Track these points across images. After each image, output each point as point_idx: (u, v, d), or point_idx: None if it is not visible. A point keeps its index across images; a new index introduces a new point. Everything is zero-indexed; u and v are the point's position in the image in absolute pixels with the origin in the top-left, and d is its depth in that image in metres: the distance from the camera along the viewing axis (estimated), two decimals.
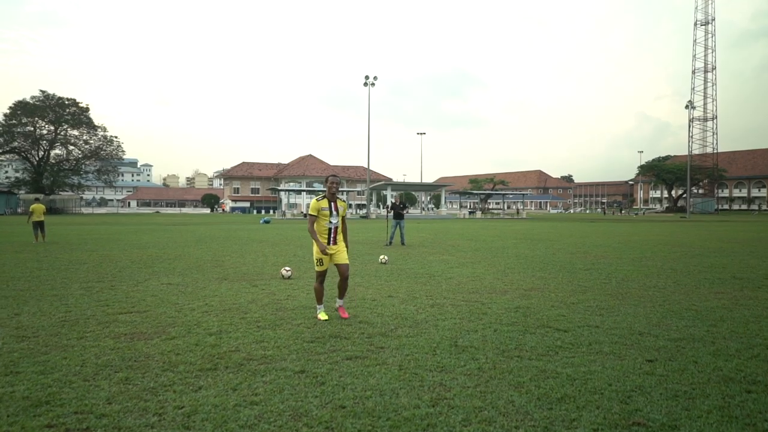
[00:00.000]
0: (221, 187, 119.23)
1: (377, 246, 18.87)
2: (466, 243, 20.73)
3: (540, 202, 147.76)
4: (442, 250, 17.20)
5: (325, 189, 7.39)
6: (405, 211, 20.01)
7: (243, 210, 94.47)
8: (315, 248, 6.80)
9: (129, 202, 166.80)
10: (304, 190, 70.65)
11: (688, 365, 5.01)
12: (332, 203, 6.79)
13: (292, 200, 77.93)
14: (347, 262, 6.85)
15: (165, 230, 29.68)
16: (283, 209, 69.44)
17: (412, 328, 6.39)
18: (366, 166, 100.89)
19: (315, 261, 6.82)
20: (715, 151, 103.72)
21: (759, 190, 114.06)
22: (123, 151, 79.22)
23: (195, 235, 24.75)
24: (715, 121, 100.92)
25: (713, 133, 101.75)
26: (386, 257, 13.45)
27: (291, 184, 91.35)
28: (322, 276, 6.89)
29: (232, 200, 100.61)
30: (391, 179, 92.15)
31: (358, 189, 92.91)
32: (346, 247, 6.98)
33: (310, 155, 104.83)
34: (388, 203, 59.18)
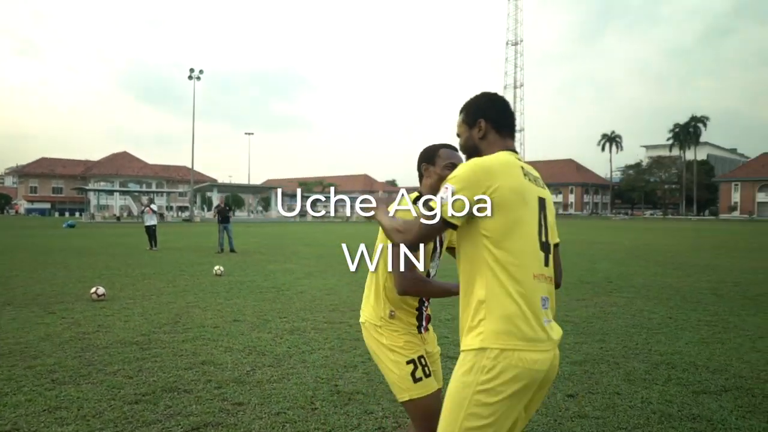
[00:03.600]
0: (14, 185, 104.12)
1: (208, 253, 16.80)
2: (307, 249, 19.43)
3: None
4: (282, 258, 15.71)
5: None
6: (230, 214, 18.20)
7: (42, 212, 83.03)
8: (396, 340, 2.50)
9: None
10: (117, 191, 63.95)
11: (612, 398, 4.26)
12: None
13: (102, 201, 70.24)
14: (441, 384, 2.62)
15: None
16: (92, 211, 62.18)
17: (274, 368, 4.94)
18: (189, 166, 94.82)
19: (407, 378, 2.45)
20: (523, 161, 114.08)
21: (556, 196, 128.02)
22: None
23: None
24: (522, 132, 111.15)
25: (521, 143, 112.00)
26: (221, 267, 11.67)
27: (102, 183, 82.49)
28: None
29: (28, 201, 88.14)
30: (216, 180, 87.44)
31: (181, 190, 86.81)
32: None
33: (125, 152, 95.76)
34: (214, 206, 55.95)
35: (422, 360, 2.48)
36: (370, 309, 2.54)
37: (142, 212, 19.94)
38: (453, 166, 2.51)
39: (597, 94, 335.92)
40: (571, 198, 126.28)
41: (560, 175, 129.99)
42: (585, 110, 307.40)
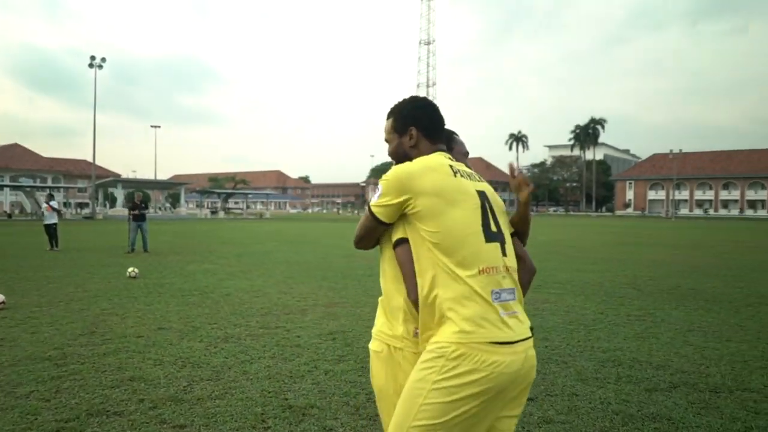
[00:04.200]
0: None
1: (117, 254, 15.66)
2: (224, 248, 18.61)
3: (280, 202, 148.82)
4: (200, 257, 14.91)
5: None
6: (146, 212, 17.14)
7: None
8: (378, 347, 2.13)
9: None
10: (7, 186, 58.99)
11: (572, 400, 4.20)
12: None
13: None
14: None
15: None
16: None
17: (213, 382, 4.51)
18: (89, 160, 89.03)
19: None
20: None
21: None
22: None
23: None
24: None
25: None
26: (135, 269, 10.83)
27: None
28: None
29: None
30: (119, 175, 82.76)
31: (80, 185, 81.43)
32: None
33: (16, 144, 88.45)
34: (128, 203, 53.12)
35: None
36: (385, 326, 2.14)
37: (41, 209, 18.34)
38: (467, 155, 2.43)
39: (505, 95, 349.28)
40: None
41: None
42: (494, 110, 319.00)
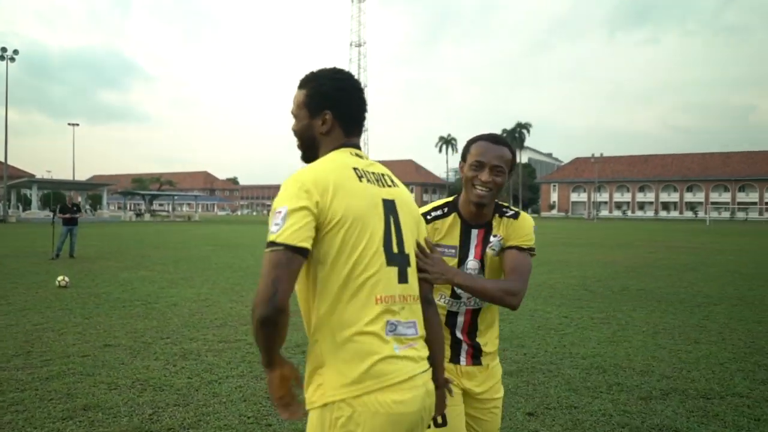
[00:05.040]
0: None
1: (39, 260, 14.43)
2: (158, 252, 17.60)
3: (208, 204, 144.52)
4: (133, 263, 13.96)
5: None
6: (79, 215, 15.96)
7: None
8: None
9: None
10: None
11: (572, 413, 4.02)
12: (475, 230, 2.21)
13: None
14: None
15: None
16: None
17: (182, 408, 4.01)
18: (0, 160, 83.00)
19: None
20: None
21: None
22: None
23: None
24: (367, 132, 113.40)
25: (365, 143, 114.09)
26: (66, 278, 9.92)
27: None
28: None
29: None
30: (34, 175, 77.67)
31: None
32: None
33: None
34: (58, 204, 50.14)
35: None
36: None
37: None
38: (479, 165, 2.10)
39: (435, 98, 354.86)
40: (412, 197, 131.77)
41: (401, 174, 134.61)
42: (424, 113, 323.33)
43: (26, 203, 64.74)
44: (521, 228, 2.14)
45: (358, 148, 1.75)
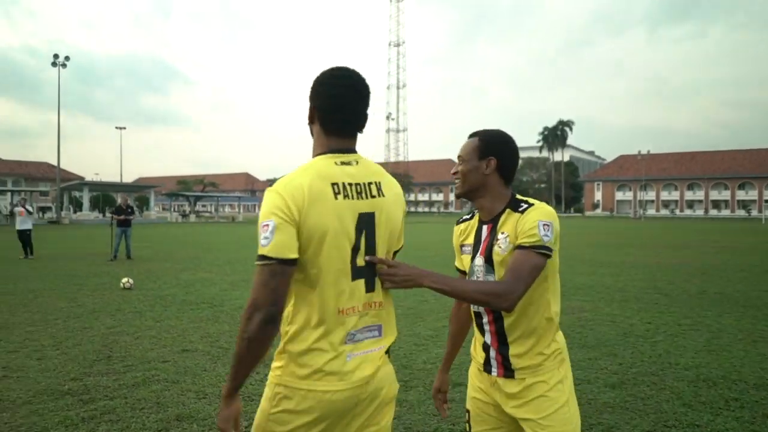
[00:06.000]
0: None
1: (98, 261, 14.68)
2: (210, 254, 17.73)
3: (249, 205, 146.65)
4: (191, 265, 14.05)
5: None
6: (132, 217, 16.18)
7: None
8: None
9: None
10: None
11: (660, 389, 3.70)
12: (485, 226, 2.08)
13: None
14: None
15: None
16: None
17: None
18: (49, 162, 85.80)
19: None
20: (406, 160, 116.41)
21: (438, 195, 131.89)
22: None
23: None
24: (406, 132, 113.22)
25: (405, 143, 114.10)
26: (130, 280, 9.99)
27: None
28: None
29: None
30: (83, 178, 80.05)
31: (42, 189, 78.41)
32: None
33: None
34: (113, 207, 51.56)
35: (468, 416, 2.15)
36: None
37: (11, 213, 17.14)
38: (460, 160, 2.08)
39: (472, 97, 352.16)
40: (451, 197, 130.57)
41: (440, 174, 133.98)
42: (462, 111, 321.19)
43: (77, 205, 66.69)
44: (525, 223, 1.92)
45: (348, 151, 1.72)
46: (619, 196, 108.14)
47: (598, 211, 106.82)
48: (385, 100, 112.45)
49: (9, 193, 59.48)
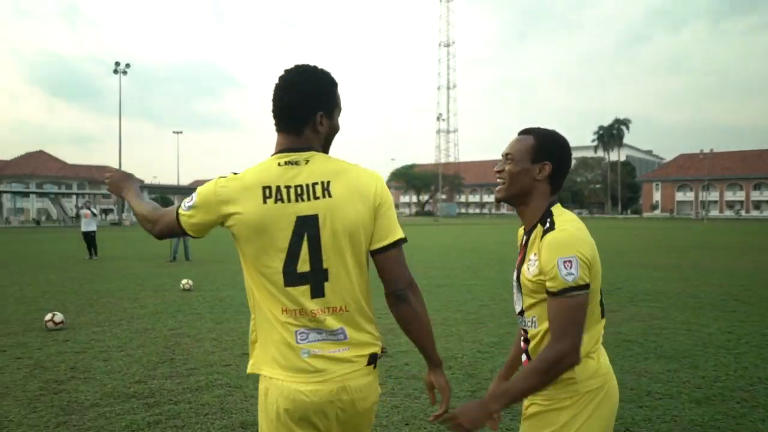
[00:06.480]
0: None
1: (158, 263, 15.04)
2: None
3: None
4: None
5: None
6: None
7: None
8: None
9: None
10: (33, 192, 59.23)
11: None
12: (525, 236, 1.88)
13: (18, 204, 64.96)
14: None
15: None
16: (6, 215, 57.25)
17: None
18: (112, 166, 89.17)
19: None
20: (457, 161, 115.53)
21: (489, 196, 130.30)
22: None
23: None
24: (456, 133, 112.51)
25: (455, 144, 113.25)
26: (189, 281, 10.13)
27: (15, 185, 76.27)
28: None
29: None
30: (143, 181, 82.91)
31: (105, 192, 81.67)
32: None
33: (41, 152, 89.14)
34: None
35: None
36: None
37: (77, 215, 17.77)
38: (508, 159, 1.85)
39: (523, 96, 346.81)
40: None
41: (491, 175, 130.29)
42: (512, 112, 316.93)
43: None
44: (545, 258, 1.69)
45: (298, 150, 1.70)
46: (680, 196, 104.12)
47: (657, 212, 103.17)
48: (435, 101, 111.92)
49: (74, 196, 62.10)
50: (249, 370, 1.75)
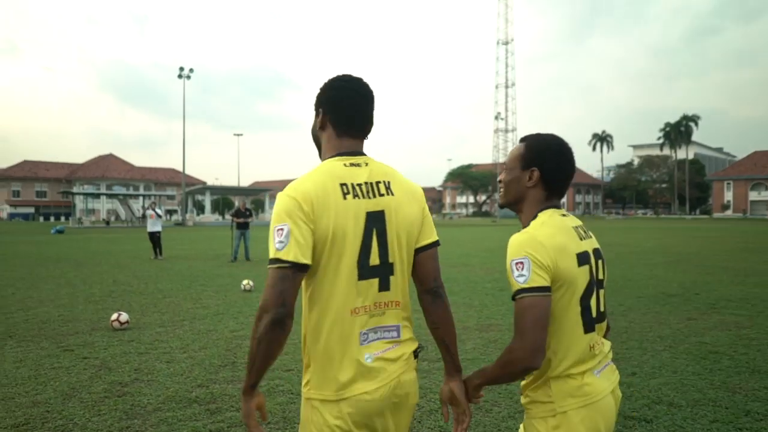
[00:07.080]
0: None
1: (220, 263, 15.26)
2: None
3: None
4: None
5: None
6: (250, 219, 16.66)
7: (26, 217, 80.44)
8: None
9: None
10: (104, 194, 61.89)
11: None
12: None
13: (89, 205, 68.08)
14: None
15: None
16: (78, 216, 60.06)
17: None
18: (175, 168, 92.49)
19: None
20: None
21: None
22: None
23: None
24: (515, 132, 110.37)
25: (513, 144, 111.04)
26: (251, 282, 10.14)
27: (87, 186, 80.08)
28: None
29: (11, 205, 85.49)
30: (205, 182, 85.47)
31: (169, 193, 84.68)
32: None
33: (111, 155, 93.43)
34: (232, 210, 54.65)
35: None
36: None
37: (144, 216, 18.31)
38: (505, 168, 1.91)
39: (585, 93, 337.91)
40: (563, 198, 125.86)
41: None
42: (573, 109, 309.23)
43: (200, 208, 71.14)
44: (507, 262, 1.73)
45: (357, 154, 1.76)
46: (754, 196, 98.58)
47: (729, 212, 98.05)
48: (493, 100, 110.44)
49: (141, 197, 64.54)
50: (307, 394, 1.73)
